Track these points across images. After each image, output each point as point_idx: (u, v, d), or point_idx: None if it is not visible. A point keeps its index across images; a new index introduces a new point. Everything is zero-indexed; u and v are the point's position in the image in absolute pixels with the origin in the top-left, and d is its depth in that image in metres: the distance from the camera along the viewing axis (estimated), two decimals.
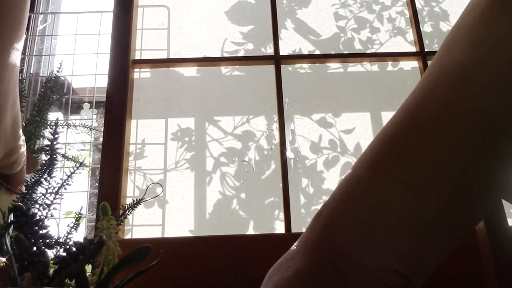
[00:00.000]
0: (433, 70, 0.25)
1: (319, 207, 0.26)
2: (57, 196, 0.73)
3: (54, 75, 1.10)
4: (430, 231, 0.23)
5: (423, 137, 0.23)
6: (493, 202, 0.24)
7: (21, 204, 0.58)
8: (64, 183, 0.75)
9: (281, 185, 1.35)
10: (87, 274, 0.63)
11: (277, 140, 1.42)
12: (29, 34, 1.72)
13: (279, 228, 1.32)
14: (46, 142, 1.31)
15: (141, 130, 1.44)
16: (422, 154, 0.23)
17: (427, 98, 0.24)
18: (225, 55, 1.54)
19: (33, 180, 0.72)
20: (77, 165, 0.78)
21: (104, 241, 0.61)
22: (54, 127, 0.74)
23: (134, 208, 0.86)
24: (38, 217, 0.56)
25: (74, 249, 0.57)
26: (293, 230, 1.28)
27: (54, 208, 0.73)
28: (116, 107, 1.40)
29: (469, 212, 0.24)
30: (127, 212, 0.85)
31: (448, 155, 0.23)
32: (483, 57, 0.23)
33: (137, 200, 0.86)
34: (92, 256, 0.57)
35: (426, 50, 1.52)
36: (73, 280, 0.58)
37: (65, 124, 1.30)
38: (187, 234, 1.32)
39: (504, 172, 0.23)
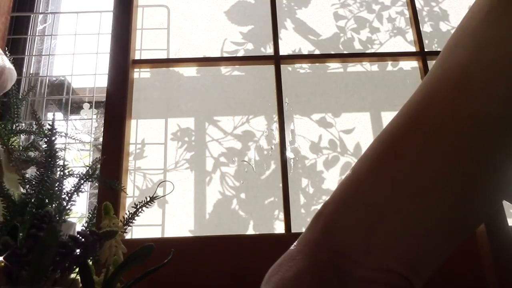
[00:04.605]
0: (435, 72, 0.25)
1: (319, 207, 0.26)
2: (70, 202, 0.74)
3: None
4: (431, 233, 0.23)
5: (425, 140, 0.23)
6: (495, 205, 0.24)
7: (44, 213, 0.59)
8: (78, 190, 0.76)
9: (281, 185, 1.35)
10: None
11: (277, 140, 1.42)
12: (29, 34, 1.72)
13: (279, 228, 1.32)
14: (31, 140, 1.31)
15: (141, 130, 1.44)
16: (424, 157, 0.23)
17: (429, 101, 0.24)
18: (225, 55, 1.54)
19: (37, 179, 0.73)
20: (89, 172, 0.79)
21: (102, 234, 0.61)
22: (52, 125, 0.75)
23: (147, 206, 0.85)
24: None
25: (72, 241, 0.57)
26: (293, 230, 1.28)
27: (67, 214, 0.74)
28: (116, 107, 1.40)
29: (471, 215, 0.24)
30: (139, 210, 0.84)
31: (451, 158, 0.23)
32: (487, 60, 0.23)
33: (150, 197, 0.85)
34: (92, 247, 0.58)
35: (426, 50, 1.52)
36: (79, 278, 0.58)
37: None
38: (187, 234, 1.32)
39: (507, 174, 0.23)
